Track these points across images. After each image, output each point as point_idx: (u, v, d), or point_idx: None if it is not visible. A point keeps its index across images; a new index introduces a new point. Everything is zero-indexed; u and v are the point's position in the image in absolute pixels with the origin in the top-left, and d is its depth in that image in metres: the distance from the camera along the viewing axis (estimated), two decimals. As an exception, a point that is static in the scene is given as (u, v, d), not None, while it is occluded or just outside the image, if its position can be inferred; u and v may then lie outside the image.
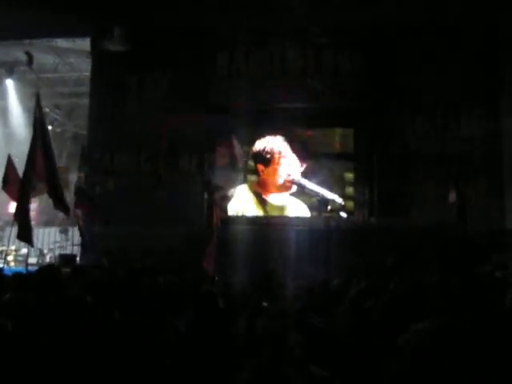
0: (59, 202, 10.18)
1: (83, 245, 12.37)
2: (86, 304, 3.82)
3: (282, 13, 12.75)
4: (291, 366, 2.52)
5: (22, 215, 9.72)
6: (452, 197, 11.90)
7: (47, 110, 16.63)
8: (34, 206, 13.51)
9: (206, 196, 13.51)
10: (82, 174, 13.60)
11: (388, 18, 12.90)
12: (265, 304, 3.89)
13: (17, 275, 5.87)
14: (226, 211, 13.87)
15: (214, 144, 14.22)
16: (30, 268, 10.07)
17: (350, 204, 13.84)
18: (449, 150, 13.28)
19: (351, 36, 13.60)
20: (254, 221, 13.70)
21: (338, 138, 14.32)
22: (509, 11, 12.24)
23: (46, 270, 5.37)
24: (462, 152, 13.19)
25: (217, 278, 8.74)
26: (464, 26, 13.01)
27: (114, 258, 10.70)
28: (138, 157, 14.29)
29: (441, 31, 13.13)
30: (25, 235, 9.72)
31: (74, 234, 14.66)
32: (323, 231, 12.16)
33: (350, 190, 13.94)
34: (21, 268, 12.00)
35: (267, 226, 13.41)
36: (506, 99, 13.05)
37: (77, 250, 14.20)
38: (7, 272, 7.30)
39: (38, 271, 5.64)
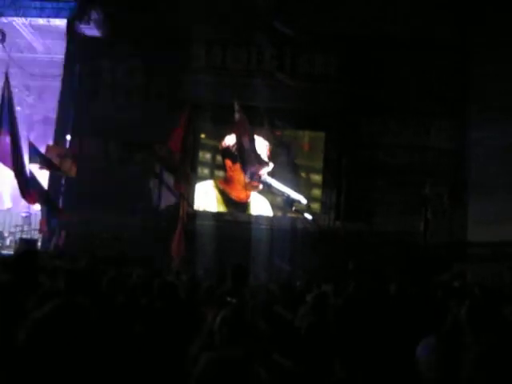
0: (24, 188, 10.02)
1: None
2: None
3: (260, 14, 12.80)
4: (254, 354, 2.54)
5: None
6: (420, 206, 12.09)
7: (16, 90, 16.29)
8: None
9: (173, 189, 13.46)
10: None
11: (364, 30, 13.08)
12: (229, 299, 3.88)
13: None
14: (192, 206, 13.84)
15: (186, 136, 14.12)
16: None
17: (315, 206, 13.93)
18: (416, 159, 13.51)
19: (327, 43, 13.72)
20: (218, 217, 13.70)
21: (307, 139, 14.38)
22: (477, 26, 12.54)
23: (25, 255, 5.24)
24: (429, 162, 13.43)
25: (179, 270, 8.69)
26: (434, 41, 13.25)
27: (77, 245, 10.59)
28: (106, 143, 14.09)
29: (413, 44, 13.37)
30: None
31: (36, 218, 14.43)
32: (288, 231, 12.22)
33: (315, 192, 14.03)
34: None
35: (232, 223, 13.42)
36: (474, 113, 13.32)
37: (38, 236, 13.95)
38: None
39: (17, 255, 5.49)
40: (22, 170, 9.99)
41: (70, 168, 12.34)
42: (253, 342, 2.60)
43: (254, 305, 3.92)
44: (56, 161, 12.10)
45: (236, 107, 11.51)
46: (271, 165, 13.44)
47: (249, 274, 5.78)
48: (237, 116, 11.68)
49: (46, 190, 11.96)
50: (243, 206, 14.01)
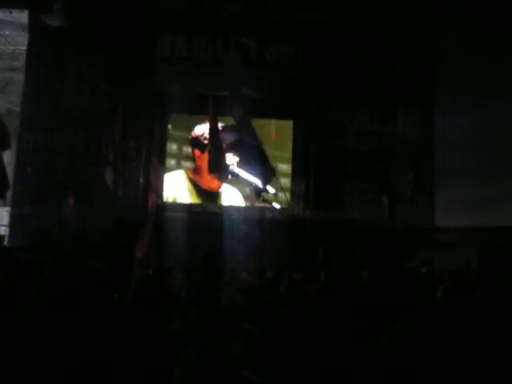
0: None
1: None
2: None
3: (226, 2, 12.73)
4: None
5: None
6: (383, 193, 12.22)
7: (-21, 83, 15.94)
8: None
9: (141, 180, 13.37)
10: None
11: (330, 17, 13.12)
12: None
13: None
14: (161, 197, 13.75)
15: (153, 128, 14.03)
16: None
17: (283, 196, 13.99)
18: (384, 146, 13.63)
19: (296, 30, 13.70)
20: (188, 208, 13.64)
21: (275, 128, 14.37)
22: (443, 16, 12.67)
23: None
24: (396, 149, 13.58)
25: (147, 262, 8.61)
26: (401, 27, 13.36)
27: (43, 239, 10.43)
28: (73, 137, 13.86)
29: (380, 33, 13.46)
30: None
31: (3, 214, 14.16)
32: (258, 221, 12.23)
33: (283, 181, 14.06)
34: None
35: (202, 214, 13.38)
36: (440, 100, 13.50)
37: (5, 231, 13.70)
38: None
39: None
40: None
41: None
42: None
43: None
44: None
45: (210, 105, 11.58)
46: (238, 155, 13.45)
47: (220, 263, 5.74)
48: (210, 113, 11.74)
49: None
50: (214, 195, 13.97)
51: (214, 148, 12.77)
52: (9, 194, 13.45)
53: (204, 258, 4.61)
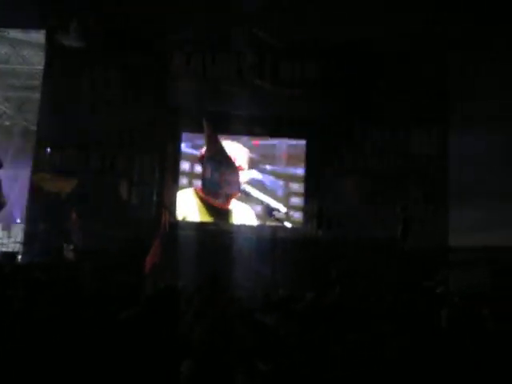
0: None
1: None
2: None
3: (241, 20, 12.81)
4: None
5: None
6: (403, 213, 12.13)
7: (-4, 101, 16.18)
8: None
9: (155, 198, 13.44)
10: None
11: (343, 36, 13.15)
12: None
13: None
14: (174, 215, 13.78)
15: (165, 145, 14.11)
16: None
17: (295, 215, 13.95)
18: (398, 166, 13.57)
19: (308, 49, 13.75)
20: (200, 226, 13.64)
21: (287, 147, 14.36)
22: (457, 37, 12.68)
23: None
24: (410, 169, 13.51)
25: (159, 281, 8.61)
26: (416, 47, 13.36)
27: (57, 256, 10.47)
28: (88, 154, 13.98)
29: (393, 51, 13.45)
30: None
31: (17, 231, 14.28)
32: (270, 240, 12.19)
33: (295, 200, 14.02)
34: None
35: (214, 232, 13.36)
36: (455, 119, 13.44)
37: (19, 248, 13.80)
38: None
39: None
40: None
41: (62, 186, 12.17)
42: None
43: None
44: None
45: (205, 123, 11.50)
46: (250, 172, 13.45)
47: (221, 280, 5.71)
48: (207, 132, 11.70)
49: None
50: (225, 213, 13.94)
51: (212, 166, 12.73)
52: (23, 211, 13.62)
53: (208, 277, 4.60)
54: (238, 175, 13.18)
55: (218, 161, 12.65)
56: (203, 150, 13.71)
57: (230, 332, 2.80)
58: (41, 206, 13.05)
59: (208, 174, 12.71)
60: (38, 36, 14.68)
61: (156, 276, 9.67)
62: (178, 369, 2.34)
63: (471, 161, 13.04)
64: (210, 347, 2.58)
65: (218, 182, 12.72)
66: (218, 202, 13.61)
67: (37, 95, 15.46)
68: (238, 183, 13.12)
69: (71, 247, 11.66)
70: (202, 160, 13.81)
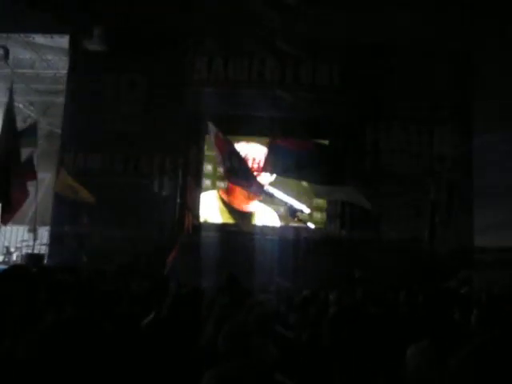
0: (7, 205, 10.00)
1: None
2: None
3: (261, 24, 12.85)
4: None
5: None
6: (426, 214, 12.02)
7: (21, 106, 16.40)
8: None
9: (178, 201, 13.51)
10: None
11: (364, 38, 13.10)
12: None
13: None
14: (197, 217, 13.84)
15: (189, 147, 14.20)
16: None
17: (318, 215, 13.92)
18: (421, 165, 13.48)
19: (329, 50, 13.75)
20: (223, 228, 13.69)
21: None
22: (481, 34, 12.52)
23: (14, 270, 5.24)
24: (433, 169, 13.40)
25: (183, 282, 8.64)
26: (439, 47, 13.25)
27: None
28: (112, 157, 14.14)
29: (416, 51, 13.37)
30: None
31: (43, 233, 14.46)
32: (293, 241, 12.17)
33: (318, 201, 13.98)
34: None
35: (236, 234, 13.40)
36: (478, 119, 13.30)
37: (44, 250, 14.00)
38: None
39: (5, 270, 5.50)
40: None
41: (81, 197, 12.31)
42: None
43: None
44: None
45: (210, 127, 11.34)
46: (273, 175, 13.44)
47: (239, 282, 5.68)
48: (212, 135, 11.33)
49: None
50: (248, 215, 13.97)
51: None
52: (49, 214, 13.80)
53: (227, 279, 4.56)
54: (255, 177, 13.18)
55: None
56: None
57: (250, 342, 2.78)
58: (65, 208, 13.21)
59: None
60: (62, 41, 14.86)
61: (179, 278, 9.72)
62: (200, 380, 2.34)
63: (496, 160, 12.90)
64: (231, 357, 2.57)
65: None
66: (247, 203, 13.67)
67: (61, 99, 15.66)
68: (259, 185, 13.10)
69: (84, 251, 11.80)
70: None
